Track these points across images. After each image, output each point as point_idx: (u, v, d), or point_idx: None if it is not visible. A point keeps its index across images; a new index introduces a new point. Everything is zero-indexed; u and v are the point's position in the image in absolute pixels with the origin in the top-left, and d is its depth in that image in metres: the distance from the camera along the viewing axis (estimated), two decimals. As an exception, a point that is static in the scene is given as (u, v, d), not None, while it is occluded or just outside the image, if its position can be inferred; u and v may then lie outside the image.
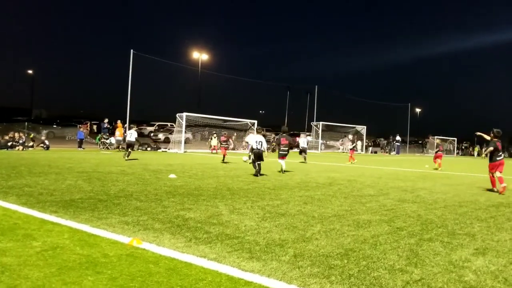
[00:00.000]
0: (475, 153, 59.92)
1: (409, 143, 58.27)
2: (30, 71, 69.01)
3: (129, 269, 3.73)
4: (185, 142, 30.36)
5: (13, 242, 4.44)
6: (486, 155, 11.91)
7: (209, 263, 4.00)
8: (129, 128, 20.44)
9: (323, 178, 13.26)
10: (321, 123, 45.23)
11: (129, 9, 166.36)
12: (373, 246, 4.90)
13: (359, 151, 46.69)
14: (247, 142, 20.61)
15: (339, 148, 47.79)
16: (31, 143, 24.67)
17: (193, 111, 33.52)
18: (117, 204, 6.94)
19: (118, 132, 28.29)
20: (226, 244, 4.70)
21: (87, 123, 41.96)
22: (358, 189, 10.51)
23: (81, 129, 30.16)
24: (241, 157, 21.17)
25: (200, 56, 44.05)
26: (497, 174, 11.37)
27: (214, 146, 30.66)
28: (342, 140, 47.50)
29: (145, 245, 4.51)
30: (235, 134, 36.00)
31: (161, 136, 38.02)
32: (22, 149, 22.71)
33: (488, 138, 12.07)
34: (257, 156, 13.15)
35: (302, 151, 22.56)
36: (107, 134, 30.13)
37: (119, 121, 29.77)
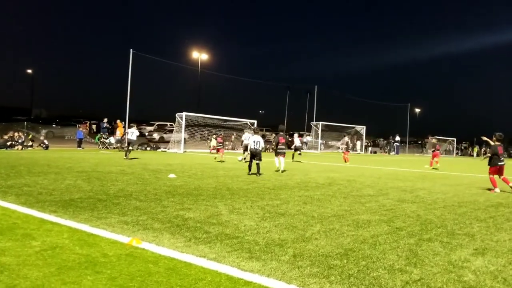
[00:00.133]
0: (474, 154, 59.98)
1: (408, 143, 58.26)
2: (30, 71, 69.10)
3: (128, 269, 3.72)
4: (178, 142, 30.34)
5: (12, 241, 4.43)
6: (485, 158, 11.90)
7: (209, 263, 4.00)
8: (130, 127, 20.45)
9: (322, 178, 13.27)
10: (320, 123, 45.21)
11: (129, 9, 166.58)
12: (373, 246, 4.90)
13: (359, 151, 46.75)
14: (243, 141, 20.93)
15: (339, 148, 47.82)
16: (30, 143, 24.65)
17: (193, 111, 33.53)
18: (117, 204, 6.94)
19: (119, 132, 28.30)
20: (225, 244, 4.70)
21: (86, 123, 41.99)
22: (357, 189, 10.51)
23: (81, 129, 30.15)
24: (239, 157, 21.34)
25: (200, 56, 44.01)
26: (498, 177, 11.42)
27: (214, 146, 30.67)
28: (343, 141, 47.56)
29: (145, 245, 4.50)
30: (234, 134, 35.98)
31: (155, 135, 38.03)
32: (21, 149, 22.70)
33: (492, 143, 11.96)
34: (253, 155, 13.34)
35: (296, 150, 23.75)
36: (107, 133, 30.13)
37: (118, 121, 29.76)
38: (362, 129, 49.06)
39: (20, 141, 23.44)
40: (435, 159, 21.76)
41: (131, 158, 18.15)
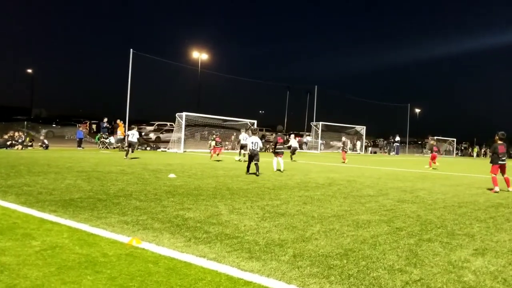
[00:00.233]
0: (474, 154, 59.99)
1: (408, 144, 58.27)
2: (30, 71, 69.12)
3: (128, 269, 3.72)
4: (178, 142, 30.33)
5: (12, 241, 4.43)
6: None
7: (209, 262, 4.00)
8: (130, 129, 20.46)
9: (322, 178, 13.27)
10: (320, 123, 45.20)
11: (129, 9, 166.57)
12: (373, 246, 4.90)
13: (359, 151, 46.75)
14: (240, 140, 21.13)
15: (339, 148, 47.82)
16: (30, 143, 24.64)
17: (193, 111, 33.52)
18: (117, 204, 6.94)
19: (120, 131, 28.30)
20: (225, 244, 4.70)
21: (86, 123, 42.01)
22: (357, 190, 10.51)
23: (81, 129, 30.16)
24: (236, 156, 21.42)
25: (200, 56, 44.01)
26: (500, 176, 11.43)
27: (214, 146, 30.67)
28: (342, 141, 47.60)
29: (145, 245, 4.50)
30: (234, 134, 35.99)
31: (152, 135, 38.01)
32: (22, 148, 22.70)
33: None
34: (251, 156, 13.43)
35: (293, 152, 23.82)
36: (107, 133, 30.12)
37: (118, 120, 29.76)
38: (362, 129, 49.05)
39: (20, 140, 23.44)
40: (434, 160, 22.01)
41: (131, 158, 18.17)
